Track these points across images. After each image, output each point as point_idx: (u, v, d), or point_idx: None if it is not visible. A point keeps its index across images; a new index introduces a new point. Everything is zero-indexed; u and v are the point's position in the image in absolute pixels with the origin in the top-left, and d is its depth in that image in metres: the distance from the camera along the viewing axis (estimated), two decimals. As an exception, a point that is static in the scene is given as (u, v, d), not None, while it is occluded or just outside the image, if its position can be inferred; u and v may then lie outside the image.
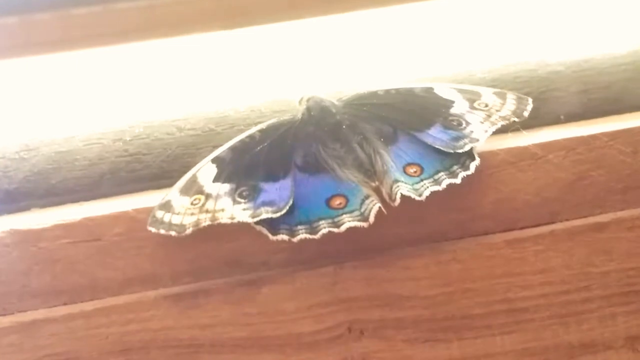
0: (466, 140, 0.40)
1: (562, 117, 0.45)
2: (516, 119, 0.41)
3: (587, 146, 0.41)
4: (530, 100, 0.42)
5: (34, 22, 0.26)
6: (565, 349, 0.42)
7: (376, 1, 0.29)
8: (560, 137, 0.41)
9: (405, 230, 0.41)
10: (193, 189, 0.39)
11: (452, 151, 0.40)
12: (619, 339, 0.42)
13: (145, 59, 0.43)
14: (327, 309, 0.40)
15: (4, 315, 0.39)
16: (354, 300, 0.40)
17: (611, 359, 0.42)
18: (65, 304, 0.39)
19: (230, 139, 0.41)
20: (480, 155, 0.40)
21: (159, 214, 0.38)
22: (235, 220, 0.38)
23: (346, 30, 0.44)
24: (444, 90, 0.42)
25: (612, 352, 0.42)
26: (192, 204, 0.38)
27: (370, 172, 0.40)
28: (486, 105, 0.41)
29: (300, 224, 0.38)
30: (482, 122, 0.41)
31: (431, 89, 0.42)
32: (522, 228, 0.41)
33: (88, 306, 0.39)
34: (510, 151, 0.41)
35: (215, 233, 0.39)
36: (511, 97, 0.42)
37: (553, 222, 0.41)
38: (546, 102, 0.45)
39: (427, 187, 0.38)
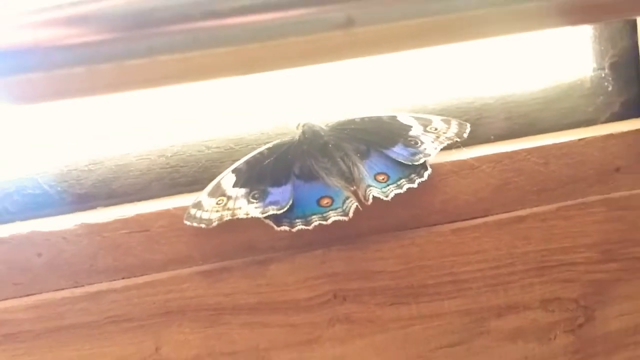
0: (421, 155, 0.41)
1: (492, 137, 0.46)
2: (458, 139, 0.42)
3: (510, 159, 0.42)
4: (468, 125, 0.43)
5: (97, 71, 0.27)
6: (495, 310, 0.43)
7: (354, 53, 0.30)
8: (491, 152, 0.42)
9: (376, 222, 0.42)
10: (218, 192, 0.40)
11: (410, 163, 0.41)
12: (535, 302, 0.43)
13: (182, 97, 0.44)
14: (318, 281, 0.41)
15: (76, 287, 0.39)
16: (338, 275, 0.41)
17: (529, 317, 0.43)
18: (123, 278, 0.40)
19: (246, 155, 0.42)
20: (432, 166, 0.41)
21: (193, 211, 0.39)
22: (249, 216, 0.39)
23: (330, 73, 0.45)
24: (404, 118, 0.43)
25: (530, 312, 0.43)
26: (217, 203, 0.39)
27: (349, 179, 0.41)
28: (436, 129, 0.42)
29: (298, 218, 0.39)
30: (433, 142, 0.42)
31: (395, 116, 0.43)
32: (463, 220, 0.42)
33: (140, 280, 0.40)
34: (453, 163, 0.42)
35: (234, 225, 0.39)
36: (454, 123, 0.43)
37: (486, 216, 0.42)
38: (480, 127, 0.46)
39: (392, 190, 0.40)
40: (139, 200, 0.44)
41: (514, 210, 0.42)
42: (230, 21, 0.28)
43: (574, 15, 0.32)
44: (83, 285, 0.39)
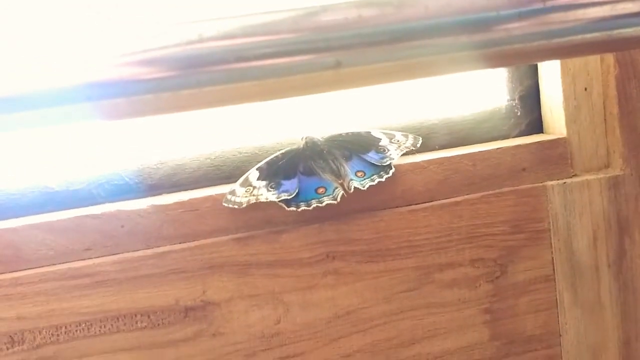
0: (388, 159, 0.41)
1: (437, 147, 0.46)
2: (413, 148, 0.42)
3: (449, 162, 0.42)
4: (420, 138, 0.42)
5: (161, 98, 0.27)
6: (438, 266, 0.42)
7: (341, 87, 0.30)
8: (436, 157, 0.42)
9: (355, 205, 0.41)
10: (246, 183, 0.40)
11: (380, 164, 0.41)
12: (466, 261, 0.43)
13: (222, 117, 0.44)
14: (316, 245, 0.41)
15: (148, 249, 0.39)
16: (330, 241, 0.41)
17: (462, 271, 0.43)
18: (180, 243, 0.40)
19: (266, 158, 0.42)
20: (395, 166, 0.41)
21: (229, 196, 0.39)
22: (268, 200, 0.39)
23: (325, 101, 0.45)
24: (375, 133, 0.43)
25: (462, 268, 0.43)
26: (245, 191, 0.39)
27: (338, 175, 0.40)
28: (398, 141, 0.42)
29: (302, 201, 0.39)
30: (396, 150, 0.41)
31: (369, 132, 0.43)
32: (416, 204, 0.42)
33: (192, 244, 0.39)
34: (410, 164, 0.42)
35: (257, 206, 0.39)
36: (411, 137, 0.42)
37: (432, 201, 0.42)
38: (428, 139, 0.45)
39: (368, 183, 0.40)
40: (192, 189, 0.43)
41: (451, 197, 0.42)
42: (254, 63, 0.28)
43: (494, 60, 0.31)
44: (152, 247, 0.39)
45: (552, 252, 0.43)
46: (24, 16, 0.28)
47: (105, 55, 0.27)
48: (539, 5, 0.30)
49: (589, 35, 0.30)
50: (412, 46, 0.29)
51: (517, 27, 0.30)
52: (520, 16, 0.30)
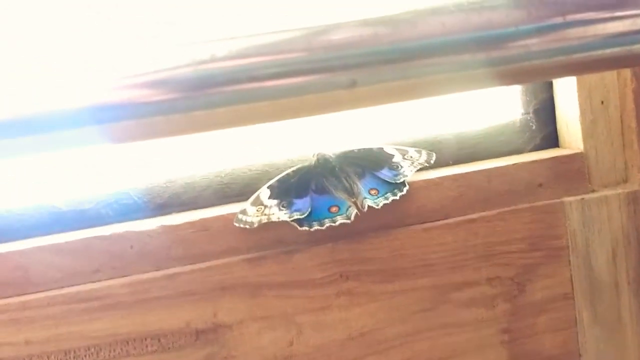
0: (401, 176, 0.40)
1: (450, 162, 0.45)
2: (427, 164, 0.41)
3: (464, 178, 0.41)
4: (434, 154, 0.42)
5: (172, 119, 0.26)
6: (454, 286, 0.41)
7: (356, 106, 0.29)
8: (450, 173, 0.41)
9: (369, 224, 0.40)
10: (257, 202, 0.39)
11: (394, 182, 0.40)
12: (482, 279, 0.42)
13: (232, 134, 0.43)
14: (329, 265, 0.40)
15: (158, 270, 0.38)
16: (343, 261, 0.40)
17: (479, 290, 0.42)
18: (190, 264, 0.39)
19: (277, 175, 0.41)
20: (408, 183, 0.40)
21: (240, 216, 0.38)
22: (280, 220, 0.38)
23: (337, 118, 0.44)
24: (388, 149, 0.42)
25: (479, 286, 0.42)
26: (257, 210, 0.39)
27: (351, 193, 0.40)
28: (411, 157, 0.41)
29: (315, 221, 0.38)
30: (409, 166, 0.41)
31: (382, 148, 0.42)
32: (431, 221, 0.41)
33: (203, 265, 0.39)
34: (424, 181, 0.41)
35: (269, 225, 0.38)
36: (424, 152, 0.42)
37: (447, 218, 0.41)
38: (441, 154, 0.44)
39: (382, 201, 0.39)
40: (202, 207, 0.43)
41: (467, 214, 0.41)
42: (267, 83, 0.27)
43: (512, 77, 0.31)
44: (162, 269, 0.38)
45: (570, 270, 0.42)
46: (31, 38, 0.27)
47: (114, 76, 0.26)
48: (559, 20, 0.29)
49: (608, 51, 0.29)
50: (429, 64, 0.28)
51: (535, 43, 0.29)
52: (539, 32, 0.29)
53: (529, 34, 0.29)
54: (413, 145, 0.44)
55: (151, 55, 0.26)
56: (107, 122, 0.26)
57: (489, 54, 0.29)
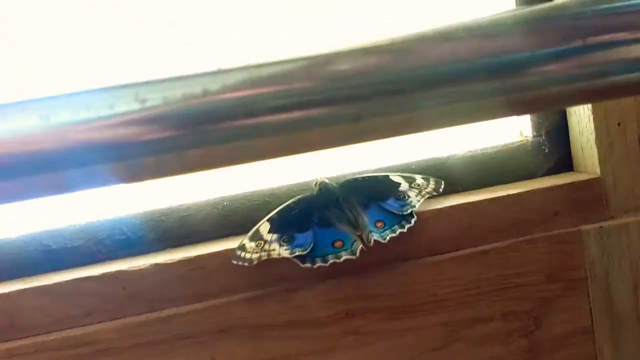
0: (408, 207, 0.38)
1: (459, 188, 0.43)
2: (435, 193, 0.39)
3: (476, 208, 0.39)
4: (443, 182, 0.40)
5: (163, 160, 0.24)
6: (467, 322, 0.39)
7: (360, 140, 0.27)
8: (462, 202, 0.39)
9: (375, 258, 0.38)
10: (257, 237, 0.37)
11: (400, 213, 0.38)
12: (497, 314, 0.39)
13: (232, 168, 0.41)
14: (333, 303, 0.38)
15: (152, 312, 0.36)
16: (348, 298, 0.38)
17: (493, 326, 0.39)
18: (186, 304, 0.37)
19: (277, 206, 0.39)
20: (417, 213, 0.38)
21: (238, 252, 0.36)
22: (280, 256, 0.36)
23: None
24: (394, 177, 0.40)
25: (493, 322, 0.39)
26: (256, 246, 0.37)
27: (355, 226, 0.38)
28: (418, 185, 0.39)
29: (318, 257, 0.36)
30: (417, 196, 0.39)
31: (387, 176, 0.40)
32: (441, 254, 0.39)
33: (199, 306, 0.37)
34: (433, 211, 0.39)
35: (269, 262, 0.36)
36: (432, 180, 0.40)
37: (458, 250, 0.39)
38: (450, 178, 0.42)
39: (388, 234, 0.37)
40: (199, 241, 0.41)
41: (479, 246, 0.39)
42: (265, 119, 0.25)
43: (529, 106, 0.29)
44: (157, 311, 0.37)
45: (590, 302, 0.40)
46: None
47: (97, 114, 0.24)
48: (578, 44, 0.27)
49: (633, 75, 0.27)
50: (440, 94, 0.26)
51: (554, 69, 0.27)
52: (558, 57, 0.27)
53: (546, 59, 0.26)
54: (420, 170, 0.42)
55: (137, 90, 0.24)
56: (92, 164, 0.24)
57: (503, 82, 0.26)
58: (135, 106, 0.24)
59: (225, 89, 0.25)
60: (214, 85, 0.25)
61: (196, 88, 0.25)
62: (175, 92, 0.24)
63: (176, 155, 0.25)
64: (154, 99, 0.24)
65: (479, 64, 0.26)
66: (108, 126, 0.24)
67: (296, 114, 0.25)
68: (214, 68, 0.25)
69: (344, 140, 0.27)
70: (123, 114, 0.24)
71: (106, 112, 0.24)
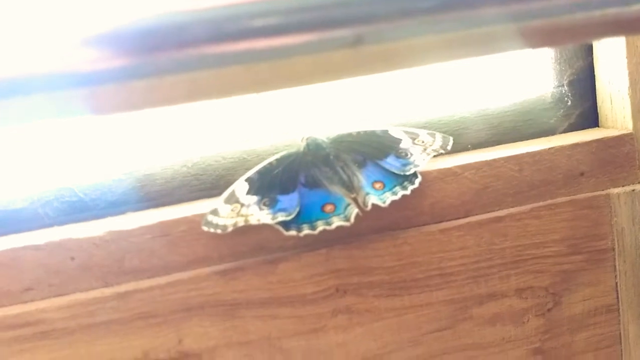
0: (411, 166, 0.34)
1: (469, 146, 0.39)
2: (442, 151, 0.35)
3: (489, 166, 0.35)
4: (451, 138, 0.35)
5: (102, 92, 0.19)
6: (477, 298, 0.35)
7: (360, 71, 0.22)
8: (472, 160, 0.35)
9: (372, 224, 0.34)
10: (232, 199, 0.32)
11: (402, 173, 0.33)
12: (511, 290, 0.36)
13: (200, 112, 0.37)
14: (322, 277, 0.34)
15: (106, 287, 0.32)
16: (339, 271, 0.34)
17: (506, 303, 0.36)
18: (147, 278, 0.32)
19: (257, 165, 0.34)
20: (421, 174, 0.34)
21: (210, 217, 0.32)
22: (260, 222, 0.32)
23: (330, 91, 0.38)
24: (394, 132, 0.36)
25: (506, 299, 0.36)
26: (231, 210, 0.32)
27: (350, 187, 0.33)
28: (423, 142, 0.35)
29: (305, 223, 0.32)
30: (421, 153, 0.34)
31: (386, 130, 0.36)
32: (448, 220, 0.35)
33: (163, 280, 0.32)
34: (439, 170, 0.35)
35: (247, 228, 0.32)
36: (439, 136, 0.35)
37: (468, 216, 0.35)
38: (459, 137, 0.38)
39: (389, 197, 0.32)
40: (164, 205, 0.36)
41: (492, 211, 0.35)
42: (241, 44, 0.20)
43: (538, 38, 0.25)
44: (112, 285, 0.32)
45: (616, 277, 0.36)
46: None
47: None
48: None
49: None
50: (450, 18, 0.21)
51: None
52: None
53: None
54: (425, 126, 0.38)
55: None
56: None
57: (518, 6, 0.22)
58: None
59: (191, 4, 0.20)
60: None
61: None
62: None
63: (120, 87, 0.21)
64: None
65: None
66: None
67: (280, 39, 0.21)
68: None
69: (340, 71, 0.22)
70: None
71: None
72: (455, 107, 0.39)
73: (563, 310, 0.36)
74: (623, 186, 0.36)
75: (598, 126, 0.40)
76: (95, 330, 0.31)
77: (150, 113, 0.36)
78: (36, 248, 0.31)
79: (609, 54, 0.37)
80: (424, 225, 0.35)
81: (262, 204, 0.32)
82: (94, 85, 0.20)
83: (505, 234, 0.35)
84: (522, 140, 0.39)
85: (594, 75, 0.39)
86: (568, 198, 0.36)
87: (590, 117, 0.40)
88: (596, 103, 0.39)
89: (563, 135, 0.39)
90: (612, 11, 0.23)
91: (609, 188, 0.36)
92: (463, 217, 0.35)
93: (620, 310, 0.37)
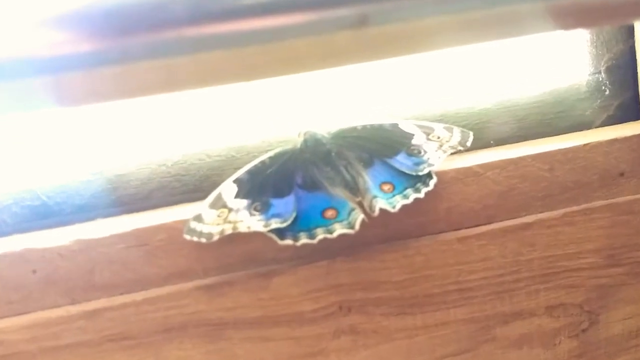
0: (425, 165, 0.34)
1: (492, 142, 0.40)
2: (461, 148, 0.35)
3: (515, 165, 0.36)
4: (471, 133, 0.36)
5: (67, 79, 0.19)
6: (501, 317, 0.36)
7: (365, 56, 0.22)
8: (495, 158, 0.36)
9: (380, 231, 0.35)
10: (219, 204, 0.33)
11: (415, 173, 0.34)
12: (540, 308, 0.37)
13: (182, 105, 0.38)
14: (322, 292, 0.35)
15: (73, 304, 0.33)
16: (342, 286, 0.35)
17: (535, 323, 0.37)
18: (121, 294, 0.33)
19: (247, 163, 0.35)
20: (436, 174, 0.34)
21: (193, 224, 0.32)
22: (251, 230, 0.32)
23: (332, 79, 0.39)
24: (406, 125, 0.36)
25: (535, 318, 0.37)
26: (218, 216, 0.32)
27: (354, 189, 0.34)
28: (438, 137, 0.35)
29: (302, 231, 0.32)
30: (436, 150, 0.35)
31: (396, 124, 0.36)
32: (468, 227, 0.36)
33: (138, 296, 0.33)
34: (458, 170, 0.36)
35: (235, 237, 0.32)
36: (457, 131, 0.36)
37: (491, 223, 0.36)
38: (480, 131, 0.39)
39: (399, 201, 0.33)
40: (140, 210, 0.37)
41: (519, 217, 0.36)
42: (228, 26, 0.20)
43: (570, 19, 0.25)
44: (80, 303, 0.33)
45: (661, 292, 0.37)
46: None
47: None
48: None
49: None
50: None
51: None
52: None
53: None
54: (441, 120, 0.38)
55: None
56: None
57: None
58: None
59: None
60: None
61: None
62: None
63: (86, 74, 0.21)
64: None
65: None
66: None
67: (274, 19, 0.21)
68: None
69: (343, 54, 0.22)
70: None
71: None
72: (475, 97, 0.40)
73: (600, 331, 0.37)
74: (669, 188, 0.37)
75: (640, 119, 0.41)
76: (60, 354, 0.32)
77: (122, 104, 0.36)
78: (-7, 259, 0.32)
79: (653, 36, 0.38)
80: (439, 233, 0.35)
81: (253, 208, 0.32)
82: (57, 72, 0.20)
83: (533, 243, 0.36)
84: (552, 136, 0.39)
85: (636, 61, 0.40)
86: (605, 202, 0.36)
87: (631, 108, 0.41)
88: (638, 93, 0.40)
89: (600, 129, 0.40)
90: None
91: (653, 190, 0.37)
92: (485, 224, 0.36)
93: (666, 331, 0.37)
